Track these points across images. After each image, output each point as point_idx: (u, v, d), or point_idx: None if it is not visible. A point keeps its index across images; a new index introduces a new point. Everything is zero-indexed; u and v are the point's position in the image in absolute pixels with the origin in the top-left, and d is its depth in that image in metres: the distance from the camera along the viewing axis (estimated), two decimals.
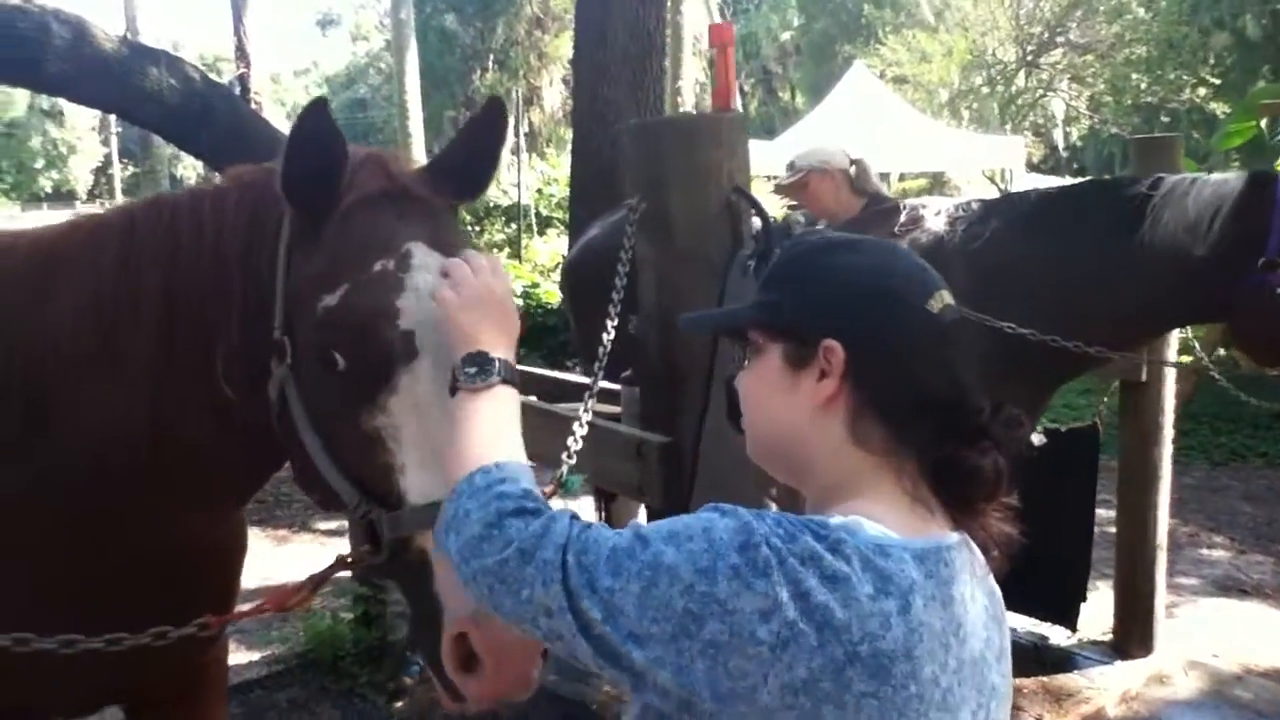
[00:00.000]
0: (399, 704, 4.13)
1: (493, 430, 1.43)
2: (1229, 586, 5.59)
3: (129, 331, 1.81)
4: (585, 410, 2.50)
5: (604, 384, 2.62)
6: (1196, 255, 2.95)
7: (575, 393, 3.43)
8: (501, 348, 1.53)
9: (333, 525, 6.68)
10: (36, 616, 1.82)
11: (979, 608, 1.24)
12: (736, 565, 1.10)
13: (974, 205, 3.38)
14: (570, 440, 2.43)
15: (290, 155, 1.63)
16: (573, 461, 2.42)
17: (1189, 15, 24.84)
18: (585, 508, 5.80)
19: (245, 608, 2.01)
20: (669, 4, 9.14)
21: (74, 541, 1.87)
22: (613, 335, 2.57)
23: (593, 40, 9.21)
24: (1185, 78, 25.42)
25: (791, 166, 4.34)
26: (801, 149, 4.50)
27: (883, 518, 1.20)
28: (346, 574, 5.08)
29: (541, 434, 2.93)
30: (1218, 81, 25.22)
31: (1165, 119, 25.34)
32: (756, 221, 2.53)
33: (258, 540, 6.31)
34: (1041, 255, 3.16)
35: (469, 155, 1.86)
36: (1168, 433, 4.29)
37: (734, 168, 2.46)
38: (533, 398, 3.47)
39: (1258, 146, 10.46)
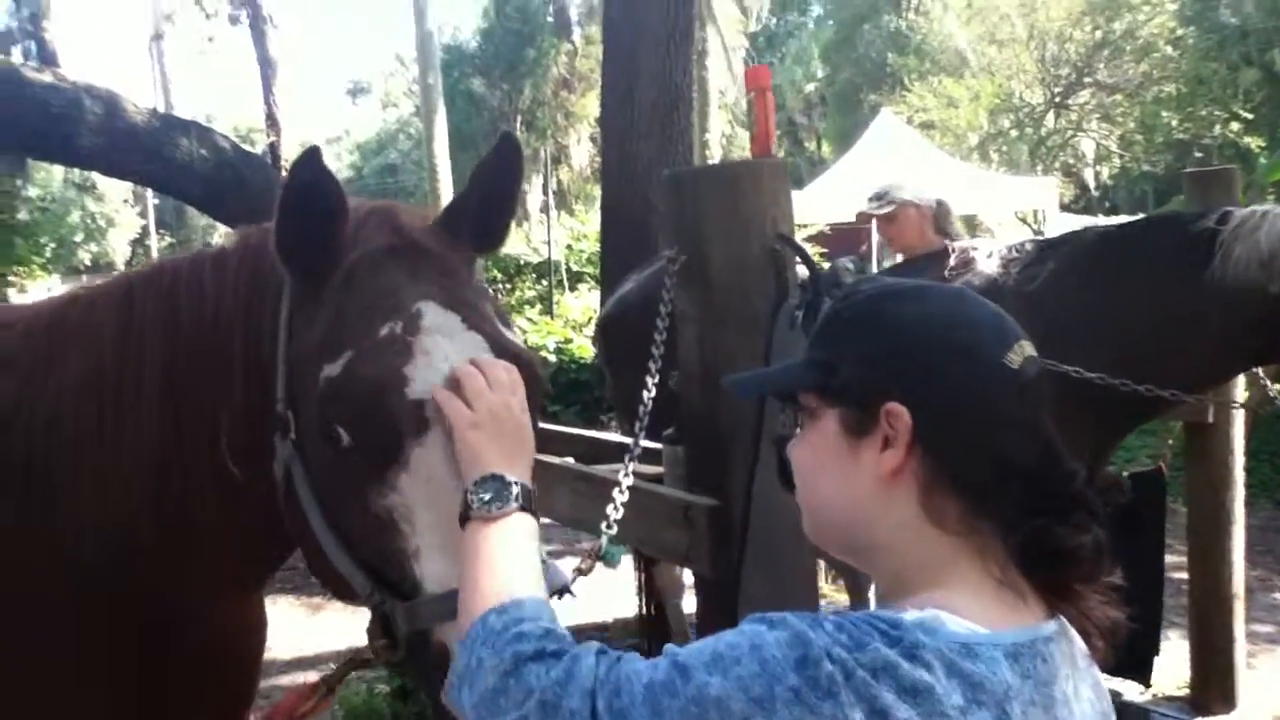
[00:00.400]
0: None
1: (509, 563, 1.26)
2: None
3: (131, 407, 1.71)
4: (626, 474, 2.37)
5: (645, 443, 2.49)
6: (1273, 292, 2.79)
7: (613, 453, 3.30)
8: (517, 470, 1.36)
9: None
10: (56, 703, 1.74)
11: (1084, 705, 1.08)
12: (796, 687, 0.94)
13: (1028, 246, 3.24)
14: (610, 508, 2.29)
15: (283, 212, 1.51)
16: (613, 531, 2.28)
17: (1217, 52, 24.79)
18: (626, 567, 5.65)
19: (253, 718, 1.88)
20: (694, 57, 9.13)
21: (90, 626, 1.77)
22: (653, 393, 2.44)
23: (620, 94, 9.22)
24: (1217, 113, 25.29)
25: (881, 196, 4.30)
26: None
27: (966, 608, 1.04)
28: None
29: (581, 499, 2.81)
30: (1250, 116, 25.07)
31: (1198, 154, 25.16)
32: (802, 269, 2.41)
33: (291, 609, 6.20)
34: (1105, 295, 3.01)
35: (483, 201, 1.71)
36: (1238, 475, 4.10)
37: (777, 215, 2.35)
38: (569, 460, 3.34)
39: None
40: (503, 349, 1.54)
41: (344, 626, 5.84)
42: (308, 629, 5.82)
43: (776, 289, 2.35)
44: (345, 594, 1.57)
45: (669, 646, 1.07)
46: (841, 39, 32.73)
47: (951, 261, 3.30)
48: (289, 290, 1.60)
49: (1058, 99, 26.45)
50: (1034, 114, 26.63)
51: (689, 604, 4.70)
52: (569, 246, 20.05)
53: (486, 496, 1.31)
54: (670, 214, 2.44)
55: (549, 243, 18.41)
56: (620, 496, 2.30)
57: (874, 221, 4.55)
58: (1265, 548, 6.53)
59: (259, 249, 1.67)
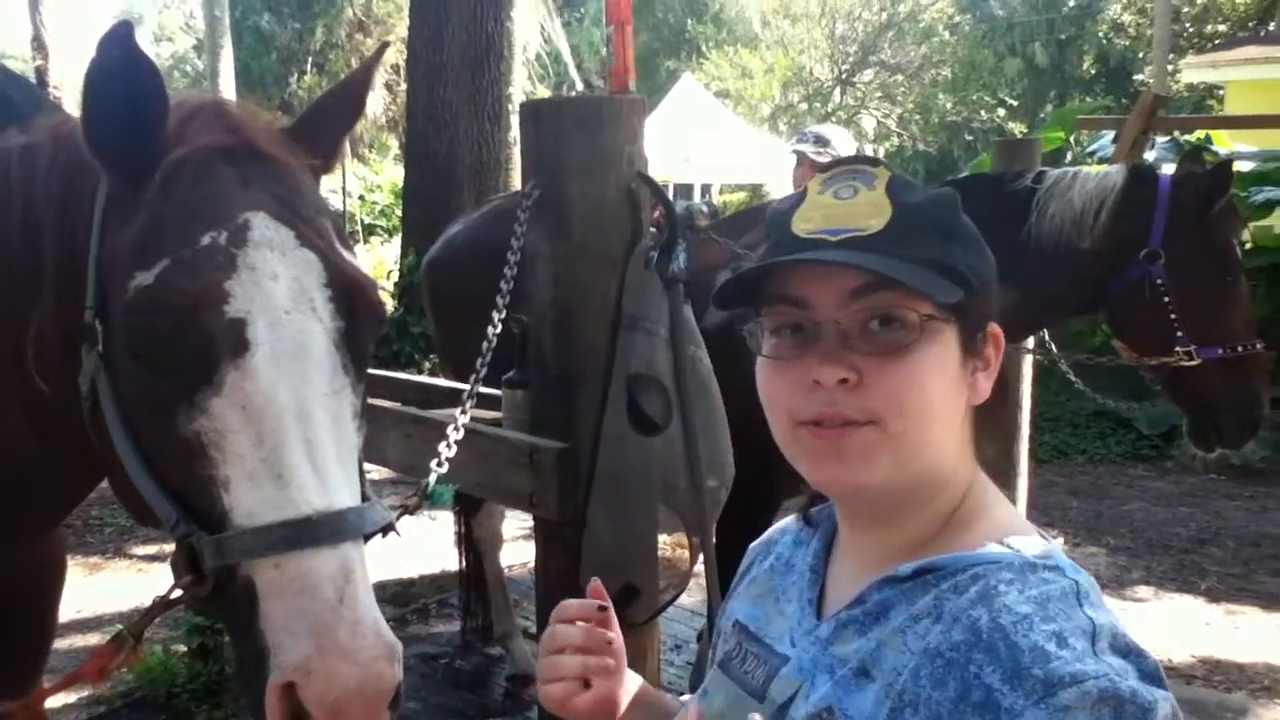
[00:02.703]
0: None
1: None
2: None
3: None
4: (463, 412, 2.30)
5: (480, 388, 2.42)
6: (1083, 247, 3.00)
7: (443, 400, 3.22)
8: None
9: (151, 550, 6.18)
10: None
11: None
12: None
13: None
14: (443, 445, 2.22)
15: (91, 96, 1.36)
16: (444, 469, 2.21)
17: (987, 40, 26.49)
18: (438, 526, 5.55)
19: (57, 682, 1.71)
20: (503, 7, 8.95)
21: None
22: (498, 332, 2.38)
23: (428, 41, 8.96)
24: (986, 99, 27.01)
25: (821, 142, 4.54)
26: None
27: (1019, 519, 1.04)
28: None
29: (415, 443, 2.72)
30: (1015, 103, 26.92)
31: (969, 137, 26.87)
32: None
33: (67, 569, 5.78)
34: None
35: (337, 108, 1.64)
36: (1024, 430, 4.40)
37: (635, 153, 2.33)
38: (397, 404, 3.23)
39: (1058, 155, 11.18)
40: (338, 272, 1.43)
41: (124, 587, 5.51)
42: (85, 590, 5.43)
43: (632, 228, 2.34)
44: (150, 521, 1.46)
45: None
46: (641, 3, 32.94)
47: None
48: (105, 186, 1.46)
49: (845, 76, 27.59)
50: (823, 89, 27.69)
51: (505, 558, 4.67)
52: (361, 198, 19.43)
53: None
54: (527, 147, 2.38)
55: (343, 193, 17.75)
56: (455, 435, 2.24)
57: (798, 162, 4.71)
58: (1028, 502, 7.09)
59: (75, 141, 1.50)
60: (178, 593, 1.38)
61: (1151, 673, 0.88)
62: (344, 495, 1.33)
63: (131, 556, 6.26)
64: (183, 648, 4.23)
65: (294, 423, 1.32)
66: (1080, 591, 0.93)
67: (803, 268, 1.00)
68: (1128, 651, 0.89)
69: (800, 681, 1.05)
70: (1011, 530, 1.01)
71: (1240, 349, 3.09)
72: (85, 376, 1.44)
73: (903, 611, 0.99)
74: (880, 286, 0.97)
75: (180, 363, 1.33)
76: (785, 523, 1.31)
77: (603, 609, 1.24)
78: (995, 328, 1.05)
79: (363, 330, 1.43)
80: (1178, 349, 3.05)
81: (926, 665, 0.93)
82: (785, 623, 1.14)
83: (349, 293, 1.42)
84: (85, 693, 4.26)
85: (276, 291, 1.35)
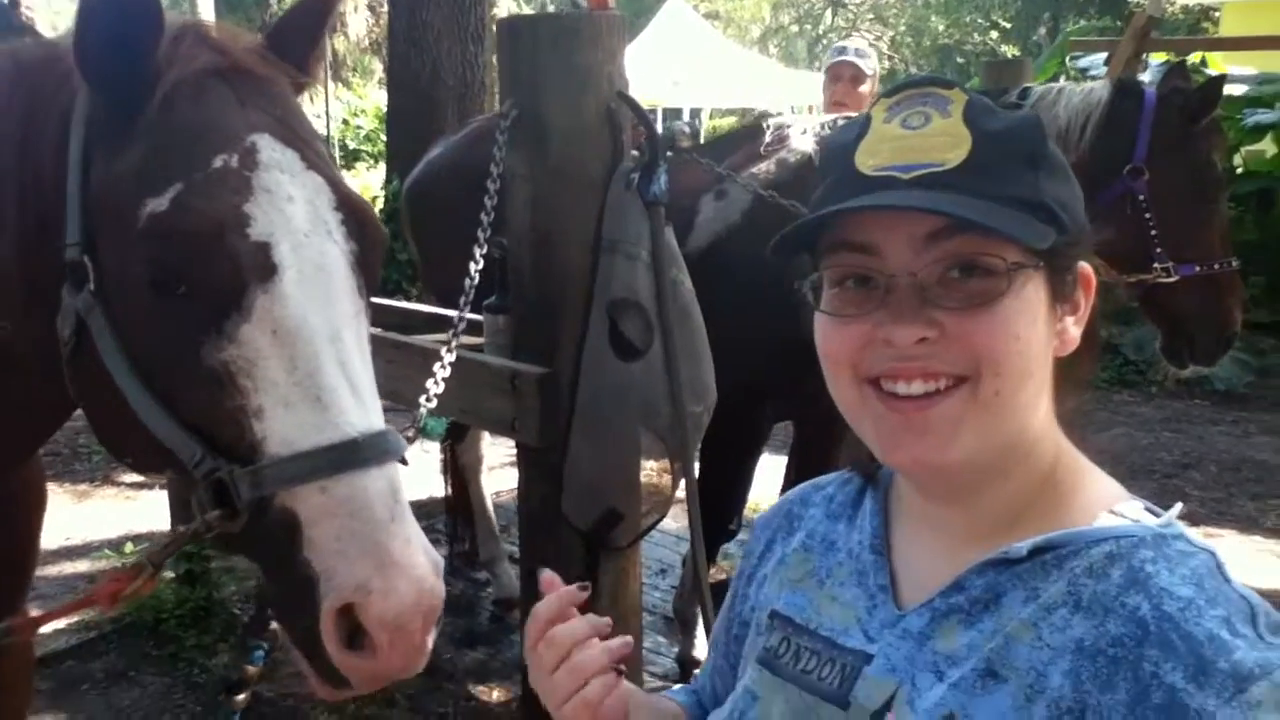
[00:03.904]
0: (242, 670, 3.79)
1: None
2: None
3: None
4: (450, 349, 2.28)
5: (455, 312, 2.39)
6: (1070, 162, 2.96)
7: (424, 325, 3.19)
8: None
9: (139, 477, 6.17)
10: None
11: None
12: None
13: (839, 123, 3.28)
14: (430, 382, 2.20)
15: (87, 14, 1.29)
16: (433, 404, 2.20)
17: None
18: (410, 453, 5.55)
19: (69, 602, 1.70)
20: None
21: None
22: (482, 258, 2.35)
23: None
24: (979, 21, 26.64)
25: (863, 54, 4.52)
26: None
27: (1112, 482, 0.94)
28: (163, 527, 4.60)
29: (398, 369, 2.70)
30: (1008, 25, 26.57)
31: (960, 60, 26.56)
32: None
33: (55, 496, 5.70)
34: None
35: (302, 23, 1.56)
36: None
37: (615, 73, 2.27)
38: (378, 330, 3.20)
39: (1055, 80, 11.05)
40: (344, 195, 1.40)
41: (114, 513, 5.50)
42: (73, 517, 5.43)
43: (612, 149, 2.29)
44: (153, 466, 1.41)
45: None
46: None
47: (767, 137, 3.30)
48: (84, 115, 1.38)
49: None
50: (814, 11, 27.26)
51: (492, 485, 4.67)
52: (345, 122, 19.16)
53: None
54: (504, 65, 2.32)
55: (326, 117, 17.47)
56: (442, 372, 2.22)
57: (835, 77, 4.56)
58: None
59: (37, 67, 1.44)
60: (200, 530, 1.33)
61: None
62: (379, 417, 1.32)
63: (119, 484, 6.26)
64: (170, 574, 4.25)
65: (327, 345, 1.30)
66: (1220, 565, 0.84)
67: (870, 210, 0.88)
68: (1278, 630, 0.80)
69: (896, 683, 0.92)
70: (1118, 495, 0.92)
71: (1217, 266, 3.08)
72: (67, 318, 1.38)
73: (1019, 598, 0.88)
74: (960, 229, 0.85)
75: (206, 289, 1.29)
76: (802, 491, 1.17)
77: (584, 588, 1.08)
78: (1086, 268, 0.94)
79: (372, 254, 1.41)
80: (1156, 265, 3.04)
81: (1087, 665, 0.82)
82: (846, 611, 1.00)
83: (358, 217, 1.40)
84: (74, 618, 4.28)
85: (295, 214, 1.33)
